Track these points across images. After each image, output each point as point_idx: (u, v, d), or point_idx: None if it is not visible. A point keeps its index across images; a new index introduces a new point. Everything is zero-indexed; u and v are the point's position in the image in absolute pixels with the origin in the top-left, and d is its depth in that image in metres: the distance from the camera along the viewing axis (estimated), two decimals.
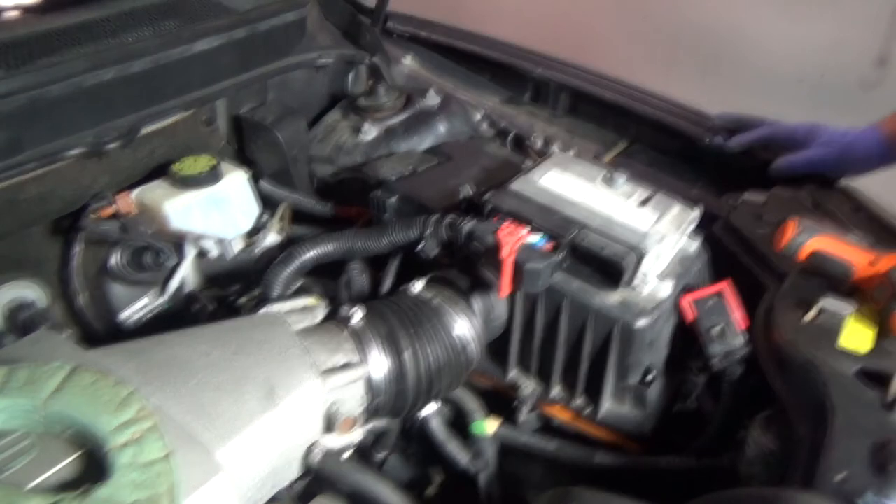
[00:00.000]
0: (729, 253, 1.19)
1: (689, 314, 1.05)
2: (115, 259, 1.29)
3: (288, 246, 1.22)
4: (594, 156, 1.51)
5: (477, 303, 1.04)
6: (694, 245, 1.16)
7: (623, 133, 1.62)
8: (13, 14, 1.39)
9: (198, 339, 0.83)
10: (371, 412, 0.93)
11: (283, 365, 0.82)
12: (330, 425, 0.85)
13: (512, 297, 1.06)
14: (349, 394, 0.88)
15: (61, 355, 0.71)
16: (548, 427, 1.12)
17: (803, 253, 1.01)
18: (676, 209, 1.16)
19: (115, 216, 1.19)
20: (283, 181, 1.46)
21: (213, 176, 1.24)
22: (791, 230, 1.01)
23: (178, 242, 1.34)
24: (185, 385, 0.75)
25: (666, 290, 1.05)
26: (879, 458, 0.73)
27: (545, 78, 1.71)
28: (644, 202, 1.13)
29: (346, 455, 0.90)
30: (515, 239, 0.96)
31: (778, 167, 1.30)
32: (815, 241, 1.01)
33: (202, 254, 1.38)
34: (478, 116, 1.64)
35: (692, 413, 1.08)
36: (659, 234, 1.07)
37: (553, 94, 1.73)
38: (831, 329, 0.94)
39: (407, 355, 0.94)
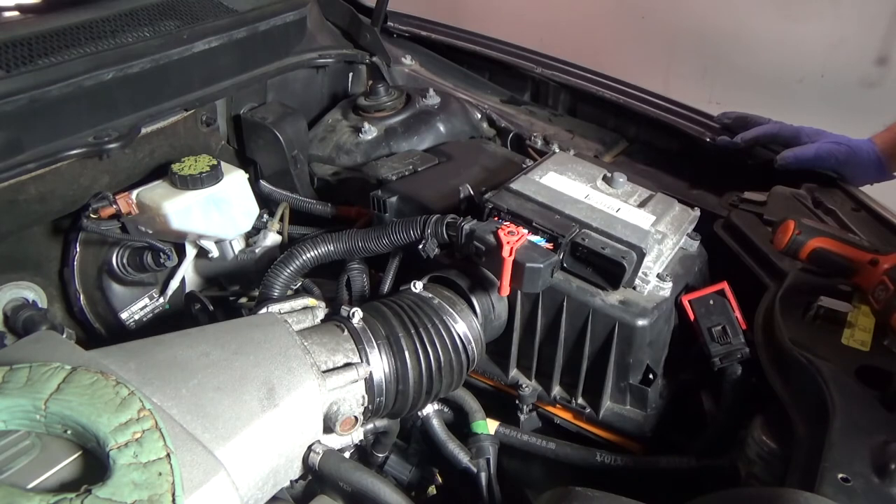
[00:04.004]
0: (729, 252, 1.19)
1: (690, 314, 1.05)
2: (115, 259, 1.29)
3: (288, 246, 1.22)
4: (594, 156, 1.51)
5: (477, 303, 1.04)
6: (694, 245, 1.16)
7: (623, 133, 1.62)
8: (13, 14, 1.39)
9: (198, 340, 0.83)
10: (371, 412, 0.93)
11: (283, 365, 0.82)
12: (330, 425, 0.85)
13: (512, 296, 1.07)
14: (349, 394, 0.88)
15: (61, 355, 0.71)
16: (549, 426, 1.12)
17: (804, 252, 1.01)
18: (676, 209, 1.16)
19: (115, 216, 1.19)
20: (283, 181, 1.46)
21: (213, 176, 1.24)
22: (791, 229, 1.01)
23: (178, 242, 1.34)
24: (185, 385, 0.75)
25: (666, 289, 1.05)
26: (879, 458, 0.73)
27: (545, 78, 1.71)
28: (644, 202, 1.13)
29: (346, 455, 0.90)
30: (516, 238, 0.96)
31: (784, 159, 1.30)
32: (815, 240, 1.00)
33: (202, 254, 1.38)
34: (478, 116, 1.64)
35: (692, 413, 1.08)
36: (659, 234, 1.07)
37: (553, 93, 1.74)
38: (831, 328, 0.94)
39: (407, 355, 0.94)
